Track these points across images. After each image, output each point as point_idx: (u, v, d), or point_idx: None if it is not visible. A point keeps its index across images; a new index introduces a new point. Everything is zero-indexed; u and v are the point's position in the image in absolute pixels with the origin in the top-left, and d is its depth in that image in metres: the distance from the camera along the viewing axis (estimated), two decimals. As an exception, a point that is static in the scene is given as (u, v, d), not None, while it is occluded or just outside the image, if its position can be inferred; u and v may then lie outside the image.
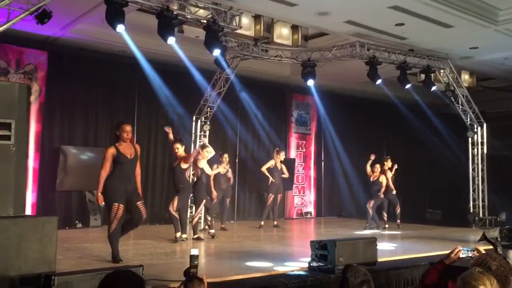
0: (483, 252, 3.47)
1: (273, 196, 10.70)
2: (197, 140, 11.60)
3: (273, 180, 10.63)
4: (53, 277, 3.60)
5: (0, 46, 9.15)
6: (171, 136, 8.19)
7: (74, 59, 10.10)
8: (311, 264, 5.50)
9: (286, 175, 11.06)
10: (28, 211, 8.88)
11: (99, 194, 5.95)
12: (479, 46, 10.29)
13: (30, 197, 9.29)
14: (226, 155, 10.26)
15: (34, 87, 9.56)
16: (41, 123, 9.80)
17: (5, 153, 4.49)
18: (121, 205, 5.91)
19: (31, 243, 4.17)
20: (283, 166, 10.92)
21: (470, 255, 3.64)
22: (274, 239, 9.28)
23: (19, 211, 4.56)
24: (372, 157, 10.63)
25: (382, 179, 10.55)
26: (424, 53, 10.56)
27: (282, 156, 10.86)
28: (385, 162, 10.83)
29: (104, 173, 5.98)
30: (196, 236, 8.29)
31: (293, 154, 13.87)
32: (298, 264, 5.88)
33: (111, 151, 6.00)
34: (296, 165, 13.73)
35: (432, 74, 10.88)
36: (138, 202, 6.09)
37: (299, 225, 12.58)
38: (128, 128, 6.04)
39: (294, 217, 13.64)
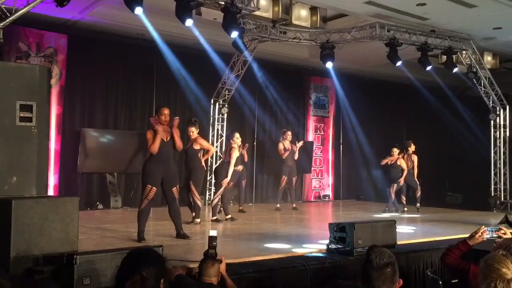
0: (508, 231, 3.42)
1: (286, 178, 10.71)
2: (215, 123, 11.62)
3: (286, 162, 10.62)
4: (75, 256, 3.65)
5: (21, 30, 9.23)
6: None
7: (93, 42, 10.16)
8: (330, 246, 5.50)
9: (296, 155, 10.93)
10: (50, 192, 9.05)
11: None
12: (503, 27, 10.02)
13: (52, 179, 9.44)
14: (237, 135, 9.11)
15: (55, 70, 9.65)
16: (62, 105, 9.92)
17: (27, 135, 4.57)
18: (153, 187, 6.28)
19: (53, 223, 4.25)
20: (294, 146, 10.86)
21: (494, 235, 3.60)
22: (292, 222, 9.30)
23: (41, 191, 4.65)
24: (387, 161, 10.53)
25: (401, 162, 10.44)
26: (446, 34, 10.33)
27: (288, 136, 10.77)
28: (408, 148, 10.72)
29: (155, 146, 6.34)
30: (214, 217, 8.37)
31: (311, 137, 13.81)
32: (317, 246, 5.89)
33: (150, 133, 6.40)
34: (314, 148, 13.68)
35: (454, 56, 10.66)
36: (173, 188, 6.44)
37: (317, 208, 12.58)
38: (166, 111, 6.42)
39: (312, 200, 13.64)
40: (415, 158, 10.67)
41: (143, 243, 5.95)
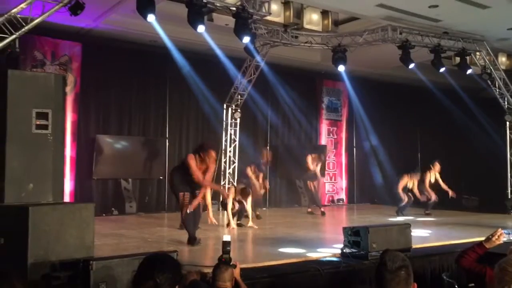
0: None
1: (311, 183, 10.87)
2: (228, 128, 11.65)
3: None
4: (91, 261, 3.69)
5: (36, 39, 9.38)
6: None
7: (107, 50, 10.26)
8: (344, 251, 5.48)
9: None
10: (66, 198, 9.12)
11: (223, 190, 7.09)
12: (517, 27, 9.94)
13: (68, 185, 9.53)
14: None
15: (70, 78, 9.77)
16: (77, 113, 10.04)
17: (43, 142, 4.63)
18: (186, 193, 6.56)
19: (69, 229, 4.30)
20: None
21: (511, 238, 3.57)
22: (307, 226, 9.28)
23: (58, 198, 4.71)
24: (406, 178, 10.59)
25: (412, 185, 10.53)
26: (459, 36, 10.25)
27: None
28: (432, 167, 10.74)
29: (201, 176, 6.57)
30: (238, 222, 8.45)
31: (324, 140, 13.78)
32: (331, 250, 5.87)
33: (193, 159, 6.58)
34: (327, 151, 13.64)
35: (468, 57, 10.56)
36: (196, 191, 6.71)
37: (331, 212, 12.49)
38: (214, 155, 6.77)
39: (326, 204, 13.58)
40: (438, 177, 10.70)
41: (198, 245, 6.27)
